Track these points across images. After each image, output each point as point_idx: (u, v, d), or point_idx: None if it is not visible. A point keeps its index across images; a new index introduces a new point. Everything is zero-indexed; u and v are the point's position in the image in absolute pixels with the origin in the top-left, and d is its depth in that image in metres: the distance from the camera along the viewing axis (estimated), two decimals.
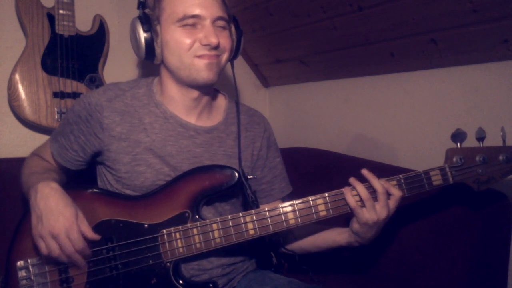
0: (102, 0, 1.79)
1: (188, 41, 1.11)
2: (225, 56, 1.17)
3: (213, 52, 1.12)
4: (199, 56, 1.12)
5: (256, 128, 1.31)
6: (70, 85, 1.63)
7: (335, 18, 1.65)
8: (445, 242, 1.27)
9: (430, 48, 1.48)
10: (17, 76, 1.55)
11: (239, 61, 1.29)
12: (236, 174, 1.13)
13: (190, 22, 1.11)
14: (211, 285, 1.13)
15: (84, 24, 1.70)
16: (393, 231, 1.35)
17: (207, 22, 1.12)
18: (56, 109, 1.60)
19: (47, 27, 1.60)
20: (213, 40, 1.10)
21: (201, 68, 1.12)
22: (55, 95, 1.60)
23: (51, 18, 1.60)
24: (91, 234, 1.05)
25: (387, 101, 1.72)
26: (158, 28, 1.14)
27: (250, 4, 1.86)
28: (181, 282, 1.10)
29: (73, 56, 1.63)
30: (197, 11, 1.11)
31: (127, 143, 1.16)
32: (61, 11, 1.60)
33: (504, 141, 1.11)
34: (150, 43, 1.14)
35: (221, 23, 1.14)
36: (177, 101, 1.20)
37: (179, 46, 1.12)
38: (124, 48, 1.80)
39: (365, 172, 1.08)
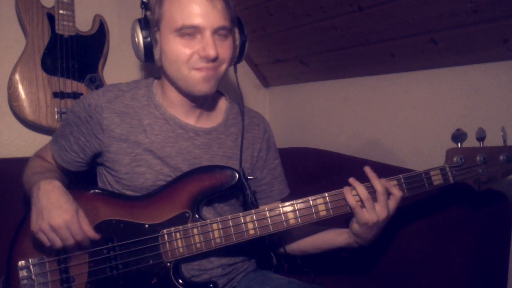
0: (102, 0, 1.80)
1: (186, 53, 1.08)
2: (223, 67, 1.13)
3: (210, 65, 1.09)
4: (197, 69, 1.10)
5: (256, 130, 1.31)
6: (70, 85, 1.63)
7: (335, 18, 1.65)
8: (446, 242, 1.27)
9: (430, 48, 1.48)
10: (17, 76, 1.55)
11: None
12: (236, 174, 1.13)
13: (189, 32, 1.07)
14: (211, 285, 1.13)
15: (84, 24, 1.70)
16: (394, 231, 1.35)
17: (207, 33, 1.07)
18: (56, 109, 1.60)
19: (47, 27, 1.60)
20: (211, 53, 1.07)
21: (197, 81, 1.11)
22: (55, 95, 1.60)
23: (51, 18, 1.60)
24: (91, 233, 1.05)
25: (387, 101, 1.72)
26: (157, 35, 1.13)
27: (250, 4, 1.86)
28: (181, 282, 1.10)
29: (73, 56, 1.63)
30: (196, 22, 1.06)
31: (127, 144, 1.16)
32: (61, 11, 1.60)
33: (504, 141, 1.11)
34: (149, 49, 1.14)
35: (222, 32, 1.10)
36: (177, 104, 1.20)
37: (177, 57, 1.09)
38: (124, 48, 1.80)
39: (367, 170, 1.07)
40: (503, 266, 1.26)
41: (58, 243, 1.02)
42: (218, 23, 1.08)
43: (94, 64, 1.69)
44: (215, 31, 1.09)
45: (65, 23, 1.61)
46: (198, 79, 1.10)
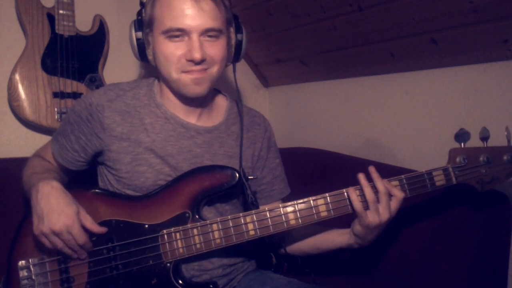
0: (102, 0, 1.79)
1: (174, 55, 1.09)
2: (215, 69, 1.13)
3: (199, 67, 1.09)
4: (186, 72, 1.10)
5: (257, 129, 1.31)
6: (70, 85, 1.63)
7: (335, 18, 1.65)
8: (446, 243, 1.27)
9: (430, 48, 1.48)
10: (17, 76, 1.55)
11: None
12: (237, 174, 1.13)
13: (176, 34, 1.08)
14: (211, 286, 1.12)
15: (84, 24, 1.70)
16: (395, 231, 1.35)
17: (193, 36, 1.07)
18: (56, 109, 1.60)
19: (47, 27, 1.60)
20: (197, 56, 1.07)
21: (187, 84, 1.11)
22: (55, 95, 1.60)
23: (51, 18, 1.60)
24: (96, 228, 1.05)
25: (387, 101, 1.72)
26: (150, 37, 1.14)
27: (250, 4, 1.86)
28: (181, 282, 1.10)
29: (73, 56, 1.63)
30: (182, 25, 1.06)
31: (127, 143, 1.16)
32: (61, 11, 1.60)
33: (508, 141, 1.09)
34: (143, 50, 1.15)
35: (211, 33, 1.09)
36: (176, 103, 1.20)
37: (166, 59, 1.10)
38: (124, 48, 1.79)
39: (372, 169, 1.06)
40: (503, 267, 1.26)
41: (60, 244, 1.02)
42: (206, 25, 1.08)
43: (94, 64, 1.69)
44: (203, 33, 1.09)
45: (65, 23, 1.61)
46: (188, 82, 1.11)
